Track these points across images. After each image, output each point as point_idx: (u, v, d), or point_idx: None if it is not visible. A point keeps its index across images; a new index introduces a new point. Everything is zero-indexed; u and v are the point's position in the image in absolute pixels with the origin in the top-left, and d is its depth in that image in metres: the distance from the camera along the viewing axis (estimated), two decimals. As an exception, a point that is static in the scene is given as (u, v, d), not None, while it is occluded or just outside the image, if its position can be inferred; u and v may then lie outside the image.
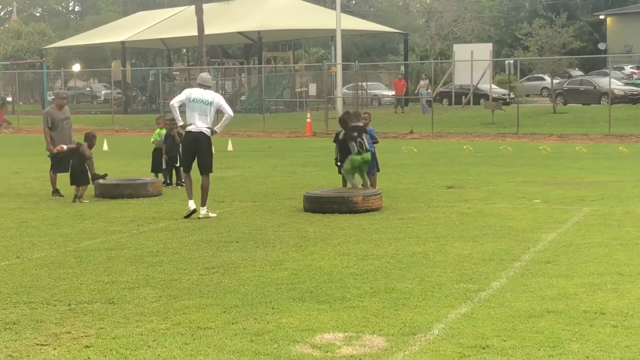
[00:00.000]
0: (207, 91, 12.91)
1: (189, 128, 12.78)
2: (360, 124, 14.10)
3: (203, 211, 12.77)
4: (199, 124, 12.74)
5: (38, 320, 7.07)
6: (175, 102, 12.99)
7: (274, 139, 33.17)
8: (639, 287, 7.93)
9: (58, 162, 15.60)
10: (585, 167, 19.55)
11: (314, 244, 10.38)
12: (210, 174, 12.93)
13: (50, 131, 15.44)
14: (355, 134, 13.68)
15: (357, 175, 13.88)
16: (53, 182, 15.62)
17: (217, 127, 12.99)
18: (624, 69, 52.95)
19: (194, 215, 12.69)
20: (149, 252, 10.05)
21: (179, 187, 15.96)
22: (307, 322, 6.90)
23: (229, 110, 12.89)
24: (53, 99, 16.45)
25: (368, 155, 13.73)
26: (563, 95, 45.75)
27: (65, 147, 15.18)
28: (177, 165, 16.24)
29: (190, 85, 13.40)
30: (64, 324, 6.96)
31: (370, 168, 14.66)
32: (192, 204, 12.82)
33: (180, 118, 13.11)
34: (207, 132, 12.79)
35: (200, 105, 12.74)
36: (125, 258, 9.70)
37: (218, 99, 12.98)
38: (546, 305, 7.28)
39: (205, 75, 13.24)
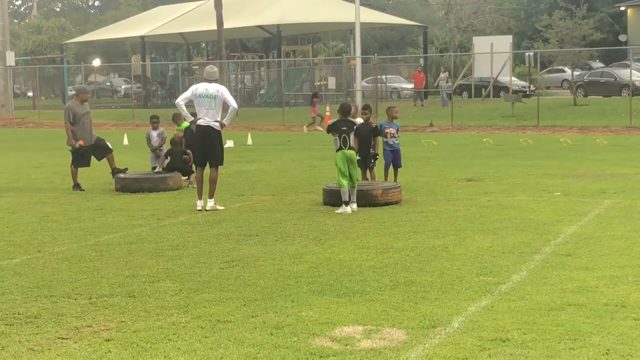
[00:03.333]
0: (212, 84, 12.99)
1: (198, 122, 12.92)
2: (358, 120, 13.90)
3: (210, 203, 12.89)
4: (207, 118, 12.88)
5: (59, 314, 7.11)
6: (180, 100, 13.14)
7: (293, 132, 33.18)
8: (661, 280, 7.88)
9: (79, 157, 15.69)
10: (606, 159, 19.44)
11: (333, 238, 10.38)
12: (220, 167, 13.13)
13: (71, 126, 15.53)
14: (345, 128, 12.75)
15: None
16: (74, 176, 15.70)
17: (224, 120, 13.06)
18: (645, 60, 52.54)
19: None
20: (169, 245, 10.09)
21: (189, 187, 15.76)
22: (326, 315, 6.90)
23: (232, 103, 12.99)
24: (75, 94, 16.39)
25: (350, 153, 12.68)
26: (583, 87, 45.48)
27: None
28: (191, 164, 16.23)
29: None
30: (84, 318, 6.99)
31: (397, 160, 14.75)
32: (199, 204, 12.91)
33: (189, 114, 13.22)
34: (216, 125, 12.91)
35: (205, 99, 12.87)
36: (146, 252, 9.74)
37: (222, 90, 13.02)
38: (567, 298, 7.25)
39: (209, 68, 13.28)
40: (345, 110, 12.96)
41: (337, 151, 12.68)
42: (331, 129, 12.86)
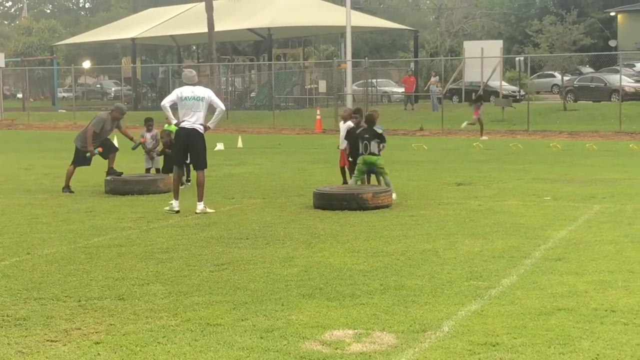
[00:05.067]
0: (197, 87, 13.01)
1: (182, 124, 12.91)
2: (348, 124, 14.42)
3: (200, 207, 12.88)
4: (192, 120, 12.87)
5: (48, 316, 7.09)
6: (166, 102, 13.15)
7: (284, 135, 33.16)
8: (650, 285, 7.90)
9: (83, 158, 15.69)
10: (595, 164, 19.48)
11: (323, 241, 10.38)
12: (205, 170, 13.14)
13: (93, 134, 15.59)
14: (367, 136, 13.74)
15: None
16: (69, 176, 15.63)
17: (210, 122, 13.07)
18: (634, 65, 52.69)
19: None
20: (159, 248, 10.06)
21: (188, 183, 15.92)
22: (316, 318, 6.90)
23: (220, 105, 13.01)
24: (113, 109, 16.18)
25: (369, 158, 13.74)
26: (573, 92, 45.62)
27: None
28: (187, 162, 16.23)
29: (201, 83, 13.47)
30: (74, 320, 6.97)
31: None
32: (176, 205, 12.90)
33: (173, 117, 13.24)
34: (200, 128, 12.91)
35: (192, 102, 12.86)
36: (135, 254, 9.72)
37: (209, 93, 13.06)
38: (556, 303, 7.26)
39: (188, 72, 13.31)
40: (370, 120, 13.99)
41: (360, 155, 13.77)
42: (357, 136, 13.92)
